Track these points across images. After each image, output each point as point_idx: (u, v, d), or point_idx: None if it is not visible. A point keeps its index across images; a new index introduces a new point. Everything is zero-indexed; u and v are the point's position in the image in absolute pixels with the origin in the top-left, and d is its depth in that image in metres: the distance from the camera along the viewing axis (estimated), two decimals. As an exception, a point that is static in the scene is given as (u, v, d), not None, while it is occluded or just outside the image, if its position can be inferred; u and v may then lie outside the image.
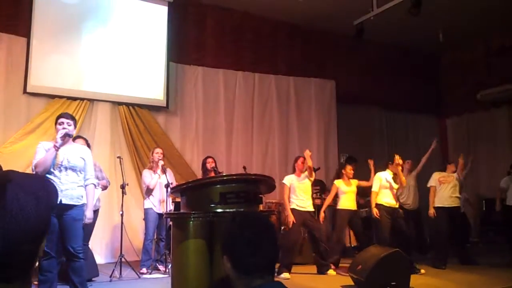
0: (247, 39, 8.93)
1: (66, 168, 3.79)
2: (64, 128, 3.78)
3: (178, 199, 6.41)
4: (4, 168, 5.77)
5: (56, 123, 3.91)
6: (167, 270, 5.65)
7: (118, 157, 6.09)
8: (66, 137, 3.79)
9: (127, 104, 7.59)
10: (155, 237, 6.07)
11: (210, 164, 6.43)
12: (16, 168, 5.65)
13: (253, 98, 8.79)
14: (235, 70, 8.71)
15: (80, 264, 3.83)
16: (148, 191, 6.00)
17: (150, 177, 6.02)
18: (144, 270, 5.73)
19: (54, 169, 3.75)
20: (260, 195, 3.87)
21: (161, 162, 6.03)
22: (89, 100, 7.27)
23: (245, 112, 8.66)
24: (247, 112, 8.69)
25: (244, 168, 6.53)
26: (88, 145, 5.10)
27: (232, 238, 1.47)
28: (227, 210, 3.56)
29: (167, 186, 5.79)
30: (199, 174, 7.61)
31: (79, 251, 3.80)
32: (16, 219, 0.90)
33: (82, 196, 3.89)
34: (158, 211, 5.93)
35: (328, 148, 9.35)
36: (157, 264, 5.99)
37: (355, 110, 9.96)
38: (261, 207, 3.95)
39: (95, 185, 4.09)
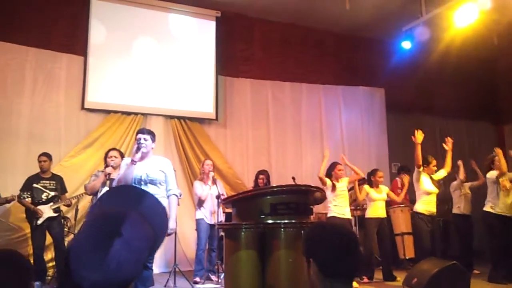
0: (294, 50, 8.96)
1: (146, 182, 3.88)
2: (139, 143, 3.85)
3: (228, 210, 6.53)
4: (66, 180, 6.10)
5: (135, 139, 4.02)
6: (220, 280, 5.72)
7: (171, 170, 6.25)
8: (140, 152, 3.84)
9: (179, 118, 7.81)
10: (207, 247, 6.16)
11: (261, 181, 6.51)
12: (75, 180, 5.95)
13: (301, 108, 8.78)
14: (282, 81, 8.75)
15: (148, 273, 3.90)
16: (200, 202, 6.11)
17: (201, 188, 6.14)
18: (197, 279, 5.83)
19: (135, 184, 3.84)
20: (311, 206, 3.87)
21: (211, 174, 6.14)
22: (142, 114, 7.55)
23: (293, 122, 8.67)
24: (296, 122, 8.70)
25: (293, 178, 6.49)
26: (122, 156, 5.21)
27: (322, 244, 1.59)
28: (278, 221, 3.58)
29: (218, 197, 5.88)
30: (248, 185, 7.69)
31: (150, 260, 3.89)
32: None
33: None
34: (210, 222, 6.02)
35: (379, 157, 9.15)
36: (209, 274, 6.07)
37: (406, 118, 9.69)
38: (311, 218, 3.94)
39: (177, 196, 4.10)
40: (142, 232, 1.02)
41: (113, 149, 5.30)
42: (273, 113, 8.56)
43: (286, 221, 3.57)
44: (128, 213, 1.03)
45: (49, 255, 6.23)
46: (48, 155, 5.83)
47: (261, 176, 6.64)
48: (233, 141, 8.26)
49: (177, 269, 5.65)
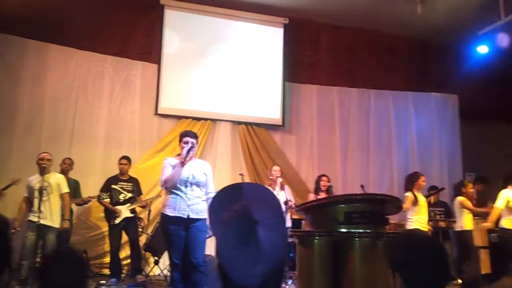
0: (362, 56, 8.81)
1: (191, 184, 4.00)
2: (191, 147, 3.99)
3: (295, 216, 6.52)
4: (141, 182, 6.37)
5: (180, 141, 4.17)
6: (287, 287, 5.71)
7: (240, 174, 6.37)
8: (190, 153, 3.99)
9: (246, 123, 7.93)
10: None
11: (324, 183, 6.43)
12: (148, 183, 6.19)
13: (369, 115, 8.62)
14: (349, 88, 8.64)
15: (200, 277, 3.96)
16: (268, 208, 6.14)
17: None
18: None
19: (180, 185, 3.97)
20: (386, 216, 3.78)
21: (279, 179, 6.16)
22: (212, 120, 7.76)
23: (360, 129, 8.52)
24: (363, 129, 8.54)
25: (362, 186, 6.39)
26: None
27: (411, 257, 1.55)
28: (352, 230, 3.54)
29: (286, 203, 5.89)
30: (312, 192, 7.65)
31: (201, 263, 3.96)
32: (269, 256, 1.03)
33: (205, 210, 4.04)
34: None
35: (452, 167, 8.75)
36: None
37: (481, 126, 9.21)
38: (387, 229, 3.85)
39: None
40: (268, 210, 1.10)
41: None
42: (340, 119, 8.46)
43: (360, 230, 3.52)
44: (247, 202, 1.10)
45: (123, 253, 6.53)
46: (128, 159, 6.14)
47: (323, 178, 6.56)
48: (299, 147, 8.26)
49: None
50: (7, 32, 6.75)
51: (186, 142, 4.03)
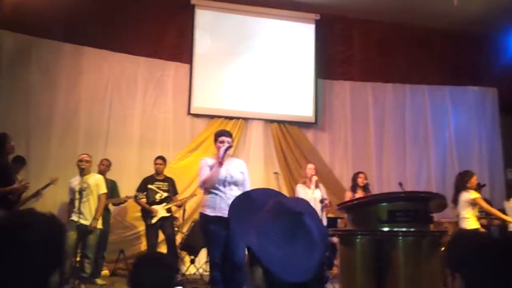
0: (395, 50, 8.58)
1: (229, 183, 3.97)
2: (228, 146, 3.96)
3: (331, 215, 6.42)
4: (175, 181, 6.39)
5: (215, 141, 4.12)
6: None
7: (275, 173, 6.33)
8: (228, 152, 3.97)
9: (278, 122, 7.87)
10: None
11: (361, 180, 6.30)
12: (182, 182, 6.20)
13: (405, 110, 8.41)
14: (384, 83, 8.45)
15: (242, 276, 3.90)
16: (303, 207, 6.07)
17: (304, 192, 6.09)
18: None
19: (219, 185, 3.94)
20: (431, 214, 3.65)
21: (314, 178, 6.08)
22: (244, 119, 7.73)
23: (396, 126, 8.32)
24: (399, 126, 8.34)
25: (401, 184, 6.23)
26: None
27: (475, 257, 1.47)
28: (395, 229, 3.43)
29: (321, 201, 5.81)
30: (348, 189, 7.53)
31: (243, 263, 3.88)
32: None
33: None
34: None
35: (492, 163, 8.45)
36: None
37: (523, 119, 8.87)
38: (431, 227, 3.73)
39: None
40: (300, 201, 1.13)
41: None
42: (374, 116, 8.29)
43: (404, 229, 3.41)
44: (278, 199, 1.11)
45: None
46: (163, 159, 6.18)
47: (360, 175, 6.43)
48: (332, 144, 8.15)
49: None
50: (43, 36, 6.89)
51: (222, 142, 4.01)
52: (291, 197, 1.20)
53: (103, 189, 5.37)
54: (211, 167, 3.95)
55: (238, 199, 1.20)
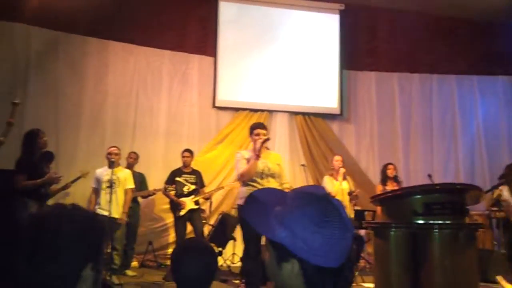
0: (422, 39, 8.43)
1: (267, 175, 3.98)
2: (260, 138, 3.95)
3: (357, 207, 6.37)
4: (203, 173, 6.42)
5: (251, 134, 4.12)
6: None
7: (302, 165, 6.30)
8: (265, 144, 3.98)
9: (303, 114, 7.82)
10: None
11: (391, 172, 6.22)
12: (208, 175, 6.20)
13: (432, 101, 8.26)
14: (410, 73, 8.31)
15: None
16: (330, 199, 6.03)
17: (332, 184, 6.06)
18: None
19: (256, 177, 3.95)
20: (467, 207, 3.58)
21: (342, 170, 6.03)
22: (268, 111, 7.71)
23: (423, 116, 8.19)
24: (426, 116, 8.20)
25: (430, 176, 6.12)
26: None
27: None
28: (431, 222, 3.38)
29: (349, 193, 5.77)
30: (375, 182, 7.45)
31: None
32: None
33: None
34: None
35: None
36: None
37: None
38: (467, 219, 3.66)
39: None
40: (315, 188, 1.09)
41: None
42: (401, 107, 8.17)
43: (440, 222, 3.35)
44: (297, 189, 1.10)
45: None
46: (190, 151, 6.19)
47: (389, 167, 6.35)
48: (358, 136, 8.07)
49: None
50: (70, 31, 6.96)
51: (258, 134, 4.01)
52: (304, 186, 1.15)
53: (131, 184, 5.41)
54: (248, 160, 3.96)
55: (248, 201, 1.14)
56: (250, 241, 3.88)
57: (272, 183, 3.96)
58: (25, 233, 0.99)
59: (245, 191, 3.95)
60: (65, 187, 5.28)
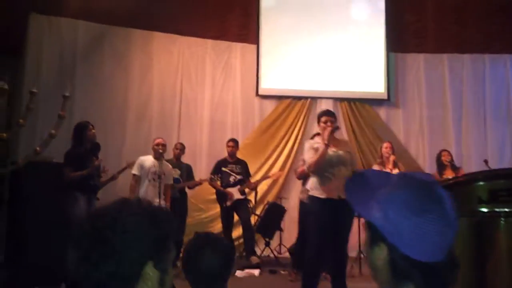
0: (473, 18, 7.97)
1: (337, 164, 3.83)
2: (329, 126, 3.83)
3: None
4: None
5: (318, 122, 4.02)
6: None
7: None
8: (333, 133, 3.84)
9: (348, 100, 7.62)
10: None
11: (445, 158, 5.95)
12: (252, 164, 6.10)
13: (485, 83, 7.84)
14: (460, 54, 7.91)
15: (345, 258, 3.99)
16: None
17: (381, 173, 5.86)
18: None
19: (326, 167, 3.81)
20: (537, 193, 3.34)
21: (392, 157, 5.81)
22: (312, 98, 7.55)
23: (475, 99, 7.79)
24: (478, 98, 7.80)
25: (486, 162, 5.81)
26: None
27: None
28: (496, 209, 3.17)
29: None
30: (426, 168, 7.20)
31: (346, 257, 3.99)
32: None
33: None
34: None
35: None
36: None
37: None
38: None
39: None
40: (432, 177, 1.05)
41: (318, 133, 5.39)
42: (451, 89, 7.80)
43: (507, 209, 3.14)
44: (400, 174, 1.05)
45: (235, 233, 6.59)
46: (235, 141, 6.15)
47: (444, 153, 6.06)
48: (406, 122, 7.78)
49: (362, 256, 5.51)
50: (114, 24, 7.03)
51: (325, 122, 3.89)
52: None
53: (171, 180, 5.38)
54: (316, 150, 3.84)
55: (353, 178, 1.10)
56: (318, 232, 3.78)
57: (343, 171, 3.81)
58: (82, 228, 0.94)
59: (316, 181, 3.87)
60: (113, 178, 5.27)
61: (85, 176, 4.55)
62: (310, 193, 3.95)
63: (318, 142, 3.90)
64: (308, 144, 4.00)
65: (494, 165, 7.12)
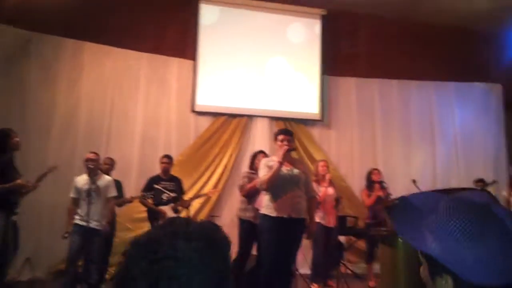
0: (402, 46, 8.42)
1: (291, 184, 3.84)
2: (286, 145, 3.84)
3: (339, 213, 6.27)
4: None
5: (275, 140, 4.01)
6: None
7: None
8: (289, 152, 3.87)
9: (284, 119, 7.70)
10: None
11: (376, 177, 6.16)
12: (186, 181, 5.92)
13: (410, 107, 8.29)
14: (389, 79, 8.32)
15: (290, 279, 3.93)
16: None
17: (318, 190, 5.93)
18: (315, 285, 5.63)
19: (279, 185, 3.82)
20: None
21: (328, 175, 5.93)
22: (248, 116, 7.54)
23: (402, 122, 8.20)
24: (404, 122, 8.22)
25: (414, 181, 6.10)
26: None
27: None
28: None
29: (337, 199, 5.67)
30: (354, 187, 7.42)
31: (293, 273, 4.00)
32: None
33: (305, 209, 3.93)
34: (327, 225, 5.79)
35: (496, 160, 8.36)
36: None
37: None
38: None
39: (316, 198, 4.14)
40: (482, 195, 0.99)
41: (262, 151, 5.33)
42: (380, 112, 8.16)
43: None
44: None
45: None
46: (170, 157, 5.92)
47: (374, 172, 6.33)
48: (338, 142, 8.00)
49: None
50: (43, 31, 6.60)
51: (282, 140, 3.91)
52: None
53: (113, 192, 5.08)
54: (270, 167, 3.81)
55: (398, 206, 1.04)
56: (272, 251, 3.71)
57: (296, 192, 3.82)
58: (135, 263, 0.78)
59: (268, 199, 3.81)
60: (33, 187, 4.80)
61: (5, 191, 4.17)
62: (262, 211, 3.92)
63: (273, 160, 3.90)
64: (264, 161, 3.99)
65: (422, 184, 7.52)
